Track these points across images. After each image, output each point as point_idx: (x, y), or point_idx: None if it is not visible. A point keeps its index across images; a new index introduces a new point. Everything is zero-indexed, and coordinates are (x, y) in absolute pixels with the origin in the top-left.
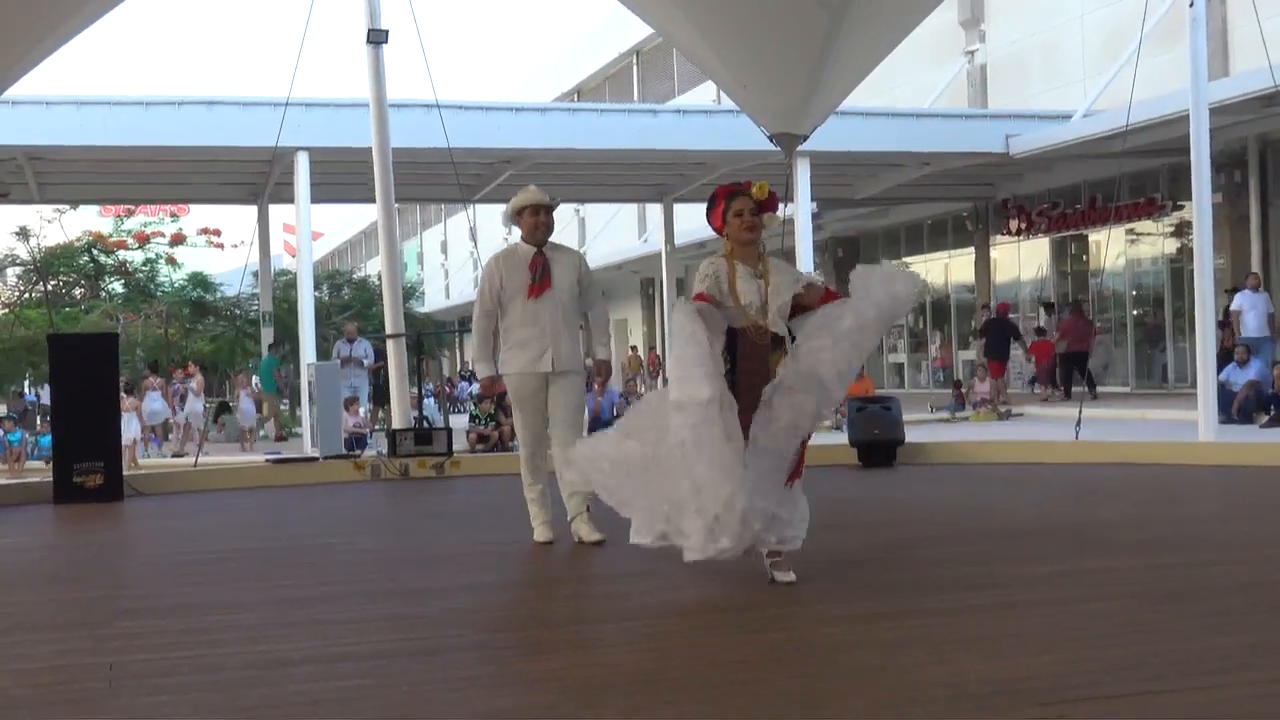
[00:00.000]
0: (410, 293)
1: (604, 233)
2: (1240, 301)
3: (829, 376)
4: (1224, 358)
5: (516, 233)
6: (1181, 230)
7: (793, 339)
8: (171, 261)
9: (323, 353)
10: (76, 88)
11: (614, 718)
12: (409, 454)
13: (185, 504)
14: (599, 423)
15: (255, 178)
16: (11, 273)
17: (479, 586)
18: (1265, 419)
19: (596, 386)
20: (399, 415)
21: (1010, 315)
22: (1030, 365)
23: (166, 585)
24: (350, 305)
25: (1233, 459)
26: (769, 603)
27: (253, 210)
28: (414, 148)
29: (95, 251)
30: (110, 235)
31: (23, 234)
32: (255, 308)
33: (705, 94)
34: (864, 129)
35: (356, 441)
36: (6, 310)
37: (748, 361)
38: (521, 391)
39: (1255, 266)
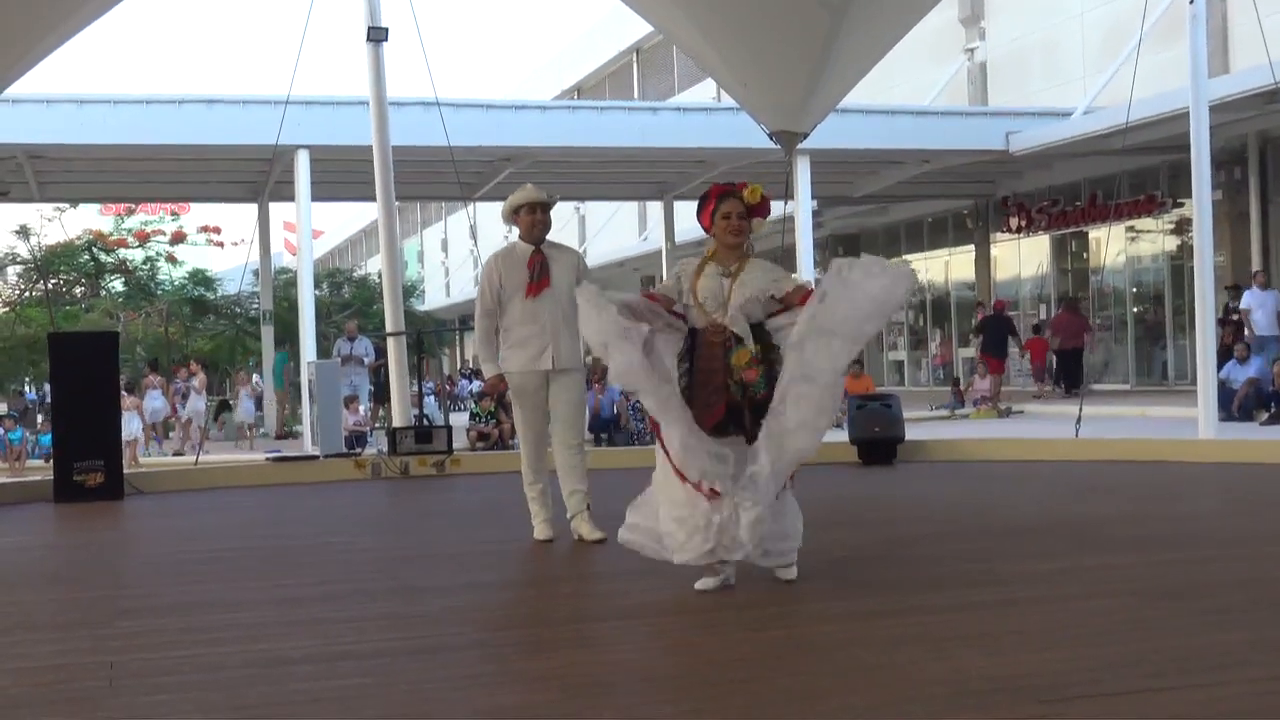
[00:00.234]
0: (410, 291)
1: (604, 231)
2: (1249, 300)
3: (826, 372)
4: (1224, 355)
5: (516, 231)
6: (1182, 227)
7: (765, 340)
8: (172, 260)
9: (323, 351)
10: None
11: (614, 716)
12: (409, 452)
13: (185, 502)
14: (599, 421)
15: (255, 176)
16: (12, 271)
17: (479, 585)
18: (1265, 416)
19: (596, 385)
20: (399, 413)
21: (1010, 313)
22: (1025, 362)
23: (166, 584)
24: (351, 303)
25: (1233, 456)
26: (769, 601)
27: (253, 208)
28: (414, 146)
29: (95, 250)
30: (110, 234)
31: (23, 232)
32: (255, 306)
33: (705, 91)
34: (864, 127)
35: (357, 440)
36: (7, 309)
37: (703, 360)
38: (522, 390)
39: (1255, 263)
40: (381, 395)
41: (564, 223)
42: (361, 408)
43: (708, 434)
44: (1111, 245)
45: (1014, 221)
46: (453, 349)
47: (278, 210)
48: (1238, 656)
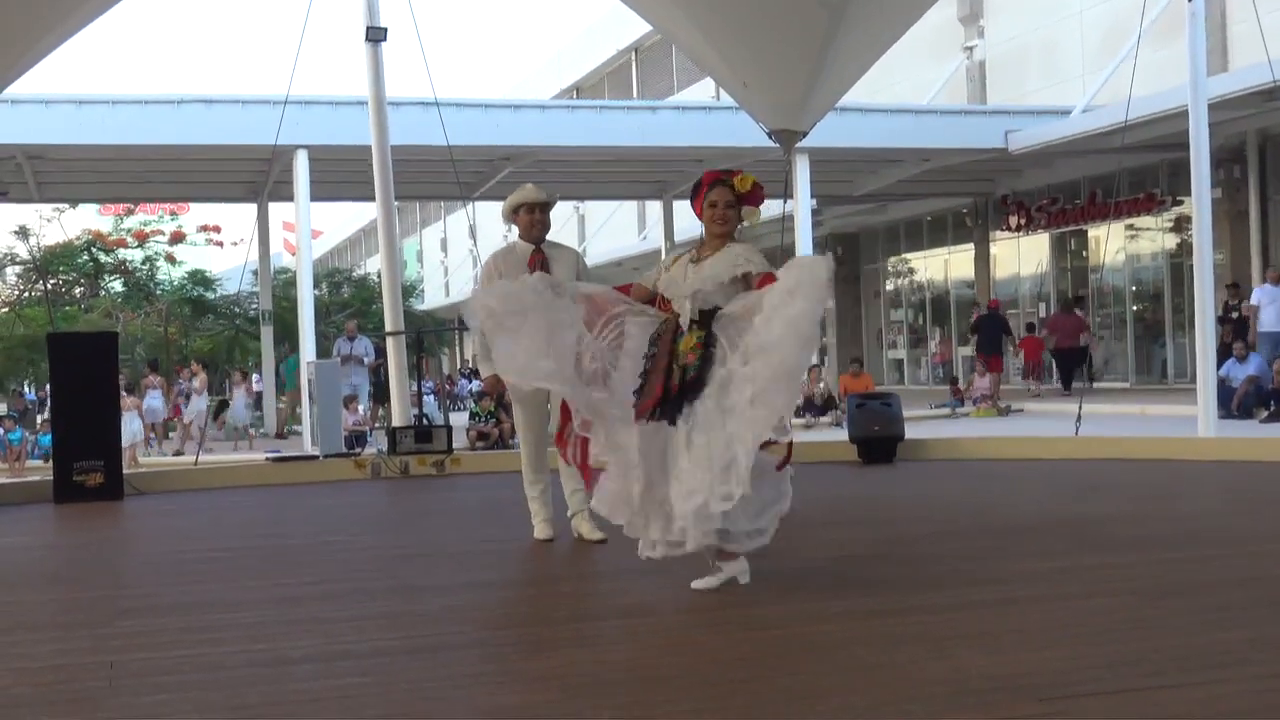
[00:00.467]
0: (410, 290)
1: (603, 230)
2: (1259, 296)
3: (783, 341)
4: (1224, 353)
5: (515, 230)
6: (1181, 225)
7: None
8: (171, 260)
9: (322, 351)
10: (76, 86)
11: (614, 715)
12: (409, 452)
13: (185, 502)
14: None
15: (255, 176)
16: (11, 271)
17: (479, 584)
18: (1265, 414)
19: None
20: (399, 413)
21: (1010, 311)
22: (1019, 361)
23: (167, 584)
24: (350, 303)
25: (1232, 454)
26: (769, 600)
27: (252, 208)
28: (413, 145)
29: (95, 250)
30: (110, 234)
31: (22, 233)
32: (255, 306)
33: (704, 90)
34: (863, 125)
35: (356, 439)
36: (6, 309)
37: (660, 347)
38: (522, 389)
39: (1255, 261)
40: (381, 395)
41: (563, 222)
42: (361, 407)
43: (647, 418)
44: (1111, 243)
45: (1013, 220)
46: (452, 348)
47: (277, 210)
48: (1238, 655)
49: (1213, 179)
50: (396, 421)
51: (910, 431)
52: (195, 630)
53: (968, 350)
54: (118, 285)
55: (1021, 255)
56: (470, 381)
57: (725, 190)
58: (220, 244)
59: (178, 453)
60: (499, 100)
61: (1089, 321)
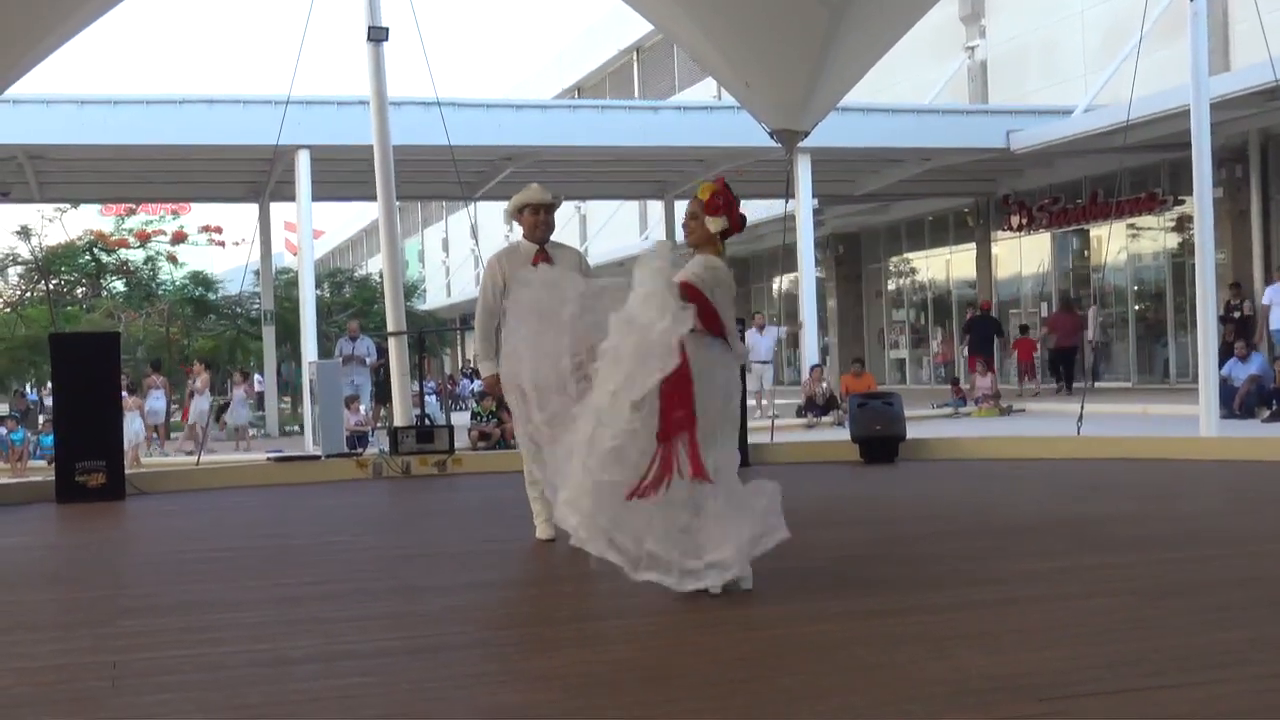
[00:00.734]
0: (411, 290)
1: (605, 230)
2: (1271, 295)
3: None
4: (1225, 352)
5: (518, 230)
6: (1183, 225)
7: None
8: (173, 260)
9: (324, 351)
10: (77, 86)
11: (616, 714)
12: (411, 452)
13: (187, 502)
14: None
15: (256, 176)
16: (13, 272)
17: (481, 584)
18: (1267, 414)
19: None
20: (401, 413)
21: (1012, 311)
22: (1011, 361)
23: (168, 584)
24: (351, 303)
25: (1234, 454)
26: (770, 600)
27: (254, 208)
28: (415, 145)
29: (96, 250)
30: (111, 234)
31: (24, 233)
32: (256, 306)
33: (706, 90)
34: (865, 125)
35: (358, 439)
36: (8, 309)
37: None
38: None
39: (1256, 260)
40: (383, 395)
41: (565, 222)
42: (363, 407)
43: None
44: (1112, 243)
45: (1015, 219)
46: (454, 348)
47: (278, 210)
48: (1238, 655)
49: (1214, 178)
50: (398, 421)
51: (912, 431)
52: (197, 630)
53: (968, 351)
54: (119, 285)
55: (1023, 255)
56: (472, 381)
57: (693, 202)
58: (222, 244)
59: (190, 452)
60: (500, 100)
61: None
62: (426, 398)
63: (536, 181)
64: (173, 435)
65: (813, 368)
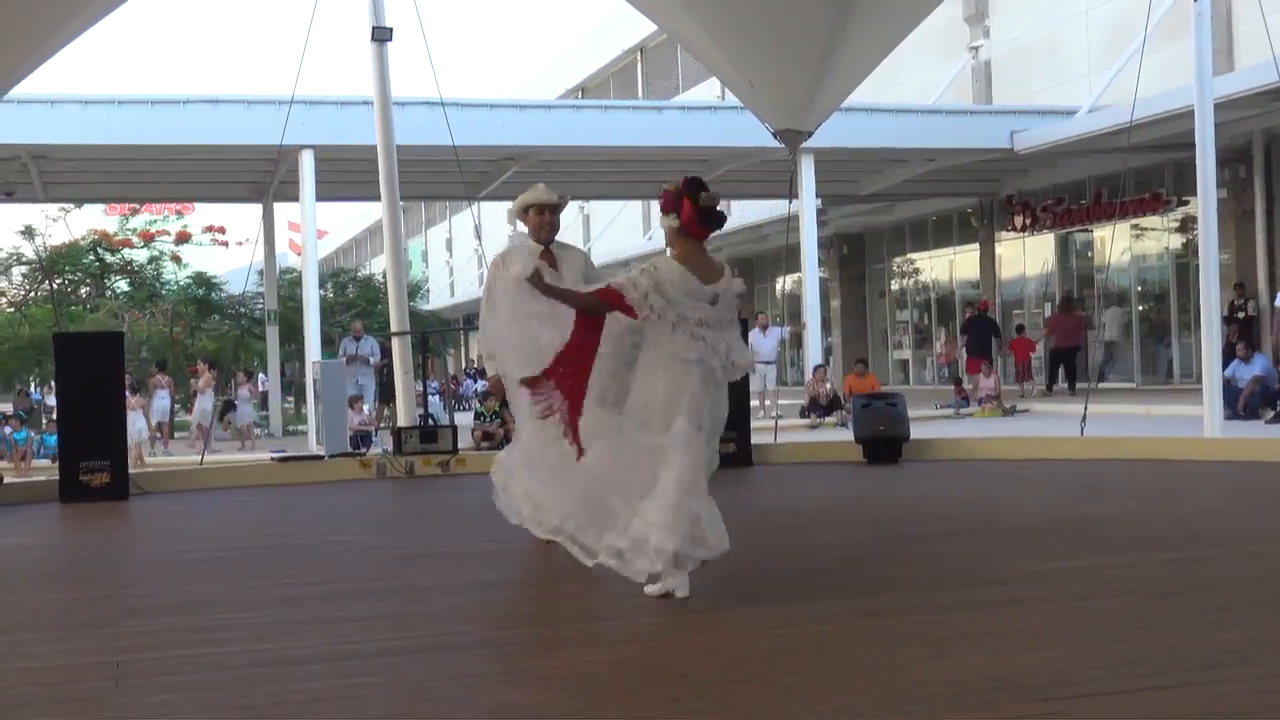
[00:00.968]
0: (415, 290)
1: (608, 230)
2: None
3: None
4: (1229, 353)
5: (522, 228)
6: (1186, 225)
7: None
8: (176, 260)
9: (327, 350)
10: (81, 86)
11: (618, 714)
12: (414, 452)
13: (191, 502)
14: None
15: (260, 176)
16: (17, 271)
17: (483, 584)
18: (1270, 414)
19: None
20: (404, 413)
21: (1015, 311)
22: (1009, 362)
23: (171, 583)
24: (355, 303)
25: (1238, 454)
26: (772, 600)
27: (257, 208)
28: (418, 145)
29: (100, 250)
30: (115, 234)
31: (28, 233)
32: (260, 306)
33: (709, 90)
34: (868, 125)
35: (362, 439)
36: (12, 309)
37: None
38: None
39: (1260, 261)
40: (386, 395)
41: (568, 222)
42: (366, 407)
43: None
44: (1116, 244)
45: (1019, 220)
46: (457, 349)
47: (282, 210)
48: (1238, 655)
49: (1218, 179)
50: (402, 421)
51: (915, 431)
52: (200, 630)
53: (965, 351)
54: (123, 285)
55: (1027, 255)
56: (475, 381)
57: None
58: (225, 244)
59: (202, 452)
60: (504, 100)
61: (1095, 321)
62: (430, 398)
63: (540, 181)
64: (176, 435)
65: (816, 368)
